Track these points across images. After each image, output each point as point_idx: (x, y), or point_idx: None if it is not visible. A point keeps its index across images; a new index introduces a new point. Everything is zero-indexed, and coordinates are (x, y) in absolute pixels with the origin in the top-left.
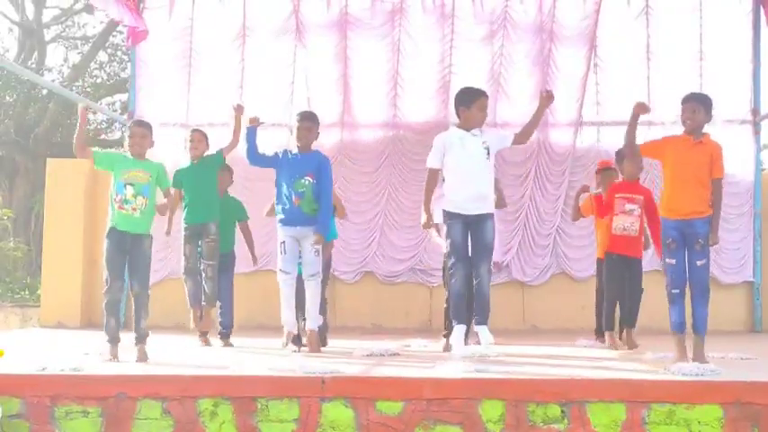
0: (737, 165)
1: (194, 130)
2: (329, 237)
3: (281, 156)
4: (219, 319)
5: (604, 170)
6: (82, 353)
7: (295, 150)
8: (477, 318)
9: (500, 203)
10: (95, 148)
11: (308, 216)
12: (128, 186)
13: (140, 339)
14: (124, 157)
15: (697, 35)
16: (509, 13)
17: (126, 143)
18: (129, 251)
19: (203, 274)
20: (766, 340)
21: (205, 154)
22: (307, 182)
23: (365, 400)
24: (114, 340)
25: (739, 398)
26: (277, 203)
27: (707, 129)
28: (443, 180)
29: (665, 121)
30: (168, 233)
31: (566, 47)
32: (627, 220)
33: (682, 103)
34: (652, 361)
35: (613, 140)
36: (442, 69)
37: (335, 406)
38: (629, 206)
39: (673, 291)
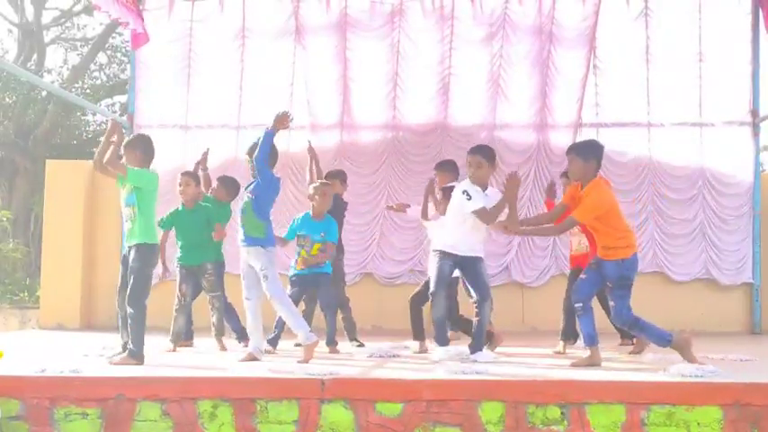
0: (736, 166)
1: (183, 174)
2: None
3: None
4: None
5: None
6: (81, 354)
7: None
8: (472, 348)
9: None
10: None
11: (246, 235)
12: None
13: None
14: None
15: (696, 36)
16: (508, 15)
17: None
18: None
19: (210, 306)
20: (765, 342)
21: (198, 199)
22: (246, 197)
23: (365, 402)
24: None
25: (738, 399)
26: None
27: (705, 130)
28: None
29: (665, 123)
30: (164, 275)
31: (565, 48)
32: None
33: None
34: (651, 362)
35: (613, 142)
36: (442, 71)
37: (335, 407)
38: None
39: (576, 305)
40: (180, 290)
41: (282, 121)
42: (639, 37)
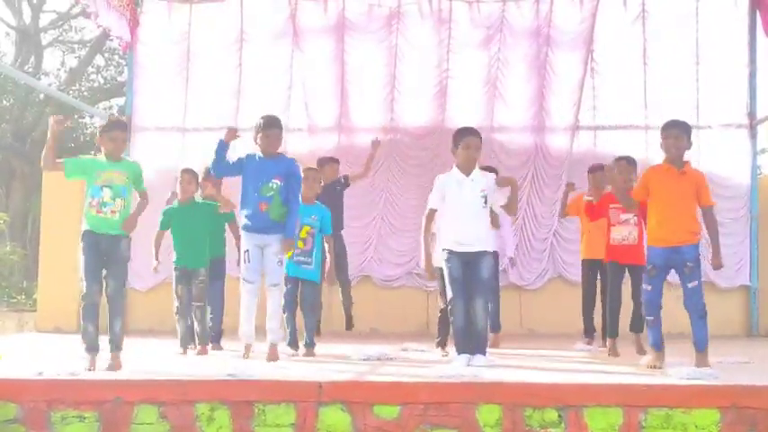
0: (734, 169)
1: (184, 171)
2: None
3: (245, 160)
4: (210, 324)
5: (595, 170)
6: (78, 357)
7: (260, 155)
8: (474, 348)
9: (495, 224)
10: (64, 159)
11: (274, 222)
12: (105, 189)
13: (115, 346)
14: (96, 161)
15: (693, 39)
16: (506, 18)
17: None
18: (106, 253)
19: (193, 315)
20: (763, 344)
21: (196, 195)
22: (274, 185)
23: (362, 405)
24: (92, 349)
25: (736, 402)
26: (242, 208)
27: (703, 132)
28: None
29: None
30: (156, 269)
31: (562, 51)
32: (624, 230)
33: (663, 131)
34: (648, 365)
35: (610, 144)
36: (440, 74)
37: (332, 410)
38: (623, 216)
39: (647, 317)
40: (176, 292)
41: (229, 135)
42: (637, 40)
